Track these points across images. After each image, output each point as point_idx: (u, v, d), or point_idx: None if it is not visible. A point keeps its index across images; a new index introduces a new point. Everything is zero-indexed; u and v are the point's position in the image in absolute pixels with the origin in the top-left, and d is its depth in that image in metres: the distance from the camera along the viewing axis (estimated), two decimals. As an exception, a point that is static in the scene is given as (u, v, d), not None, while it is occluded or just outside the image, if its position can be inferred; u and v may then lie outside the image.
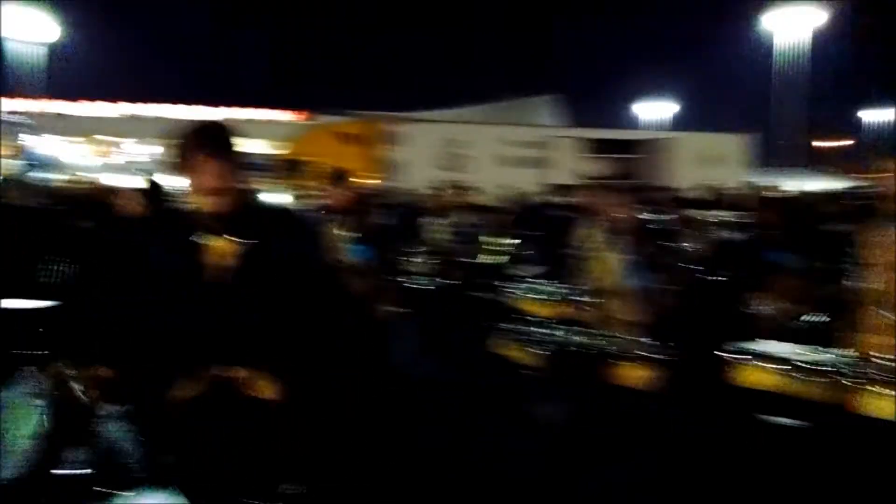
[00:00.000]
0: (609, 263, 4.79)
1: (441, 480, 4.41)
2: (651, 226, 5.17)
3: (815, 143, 52.11)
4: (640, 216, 4.99)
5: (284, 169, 18.17)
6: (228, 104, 43.37)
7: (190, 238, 2.55)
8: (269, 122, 43.75)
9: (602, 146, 21.22)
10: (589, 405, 4.51)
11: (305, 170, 18.96)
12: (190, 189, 2.51)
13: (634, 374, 4.28)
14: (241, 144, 2.59)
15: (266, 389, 2.49)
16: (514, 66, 59.33)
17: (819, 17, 27.71)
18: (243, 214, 2.53)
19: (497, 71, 56.90)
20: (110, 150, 43.45)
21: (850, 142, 50.11)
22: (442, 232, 7.73)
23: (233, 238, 2.51)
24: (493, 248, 8.86)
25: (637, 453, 4.38)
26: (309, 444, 2.55)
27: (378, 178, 18.90)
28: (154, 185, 5.75)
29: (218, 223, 2.53)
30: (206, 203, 2.50)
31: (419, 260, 7.64)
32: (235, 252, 2.51)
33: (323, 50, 58.54)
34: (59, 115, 39.00)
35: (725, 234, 8.41)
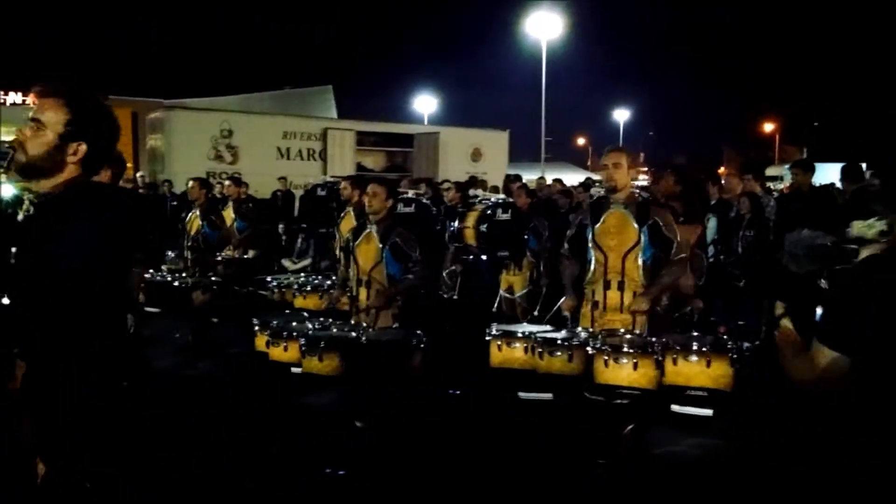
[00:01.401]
0: (368, 253, 4.80)
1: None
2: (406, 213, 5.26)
3: (577, 141, 57.41)
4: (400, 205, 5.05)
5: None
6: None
7: None
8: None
9: (376, 139, 21.50)
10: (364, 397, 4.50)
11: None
12: None
13: (400, 363, 4.33)
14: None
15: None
16: (290, 55, 58.18)
17: (570, 21, 30.29)
18: None
19: (274, 59, 55.39)
20: None
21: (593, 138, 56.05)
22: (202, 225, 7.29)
23: None
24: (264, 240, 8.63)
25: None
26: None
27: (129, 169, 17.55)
28: None
29: None
30: None
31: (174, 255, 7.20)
32: None
33: (73, 25, 53.11)
34: None
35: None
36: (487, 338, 4.67)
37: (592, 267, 4.39)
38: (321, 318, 4.91)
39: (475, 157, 21.77)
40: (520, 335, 4.59)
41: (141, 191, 12.97)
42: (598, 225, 4.38)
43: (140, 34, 61.12)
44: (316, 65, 56.68)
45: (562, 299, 4.81)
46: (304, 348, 4.38)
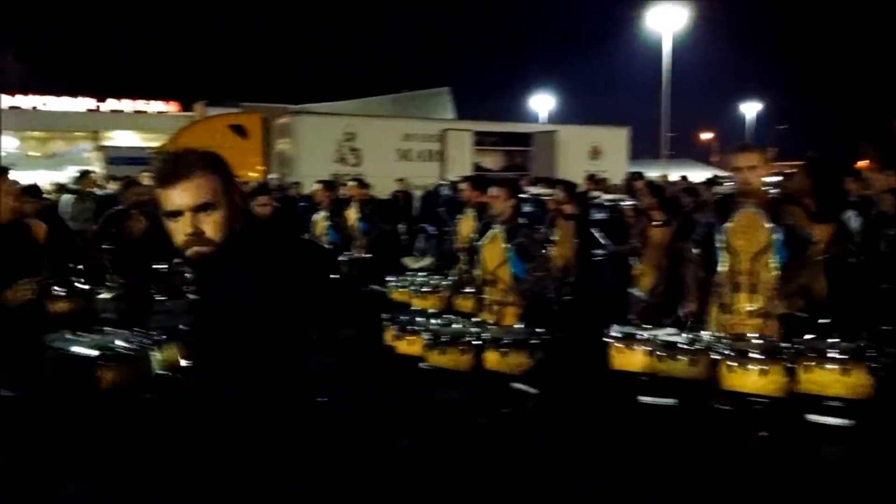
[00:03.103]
0: (493, 253, 4.86)
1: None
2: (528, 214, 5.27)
3: (701, 136, 55.21)
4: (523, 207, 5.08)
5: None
6: (96, 95, 41.61)
7: None
8: (141, 113, 42.23)
9: (494, 139, 21.61)
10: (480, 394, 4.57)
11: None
12: None
13: (512, 361, 4.36)
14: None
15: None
16: (408, 59, 59.41)
17: (694, 14, 29.20)
18: None
19: (391, 63, 56.78)
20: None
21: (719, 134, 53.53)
22: (326, 226, 7.60)
23: None
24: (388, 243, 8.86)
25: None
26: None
27: (262, 172, 18.50)
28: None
29: None
30: None
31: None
32: None
33: (207, 37, 56.55)
34: None
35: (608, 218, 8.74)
36: (607, 339, 4.63)
37: (720, 268, 4.24)
38: (446, 315, 5.02)
39: (594, 155, 21.46)
40: (641, 337, 4.51)
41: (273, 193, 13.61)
42: (727, 225, 4.23)
43: (267, 44, 64.22)
44: (433, 67, 57.53)
45: (685, 301, 4.68)
46: (429, 343, 4.49)
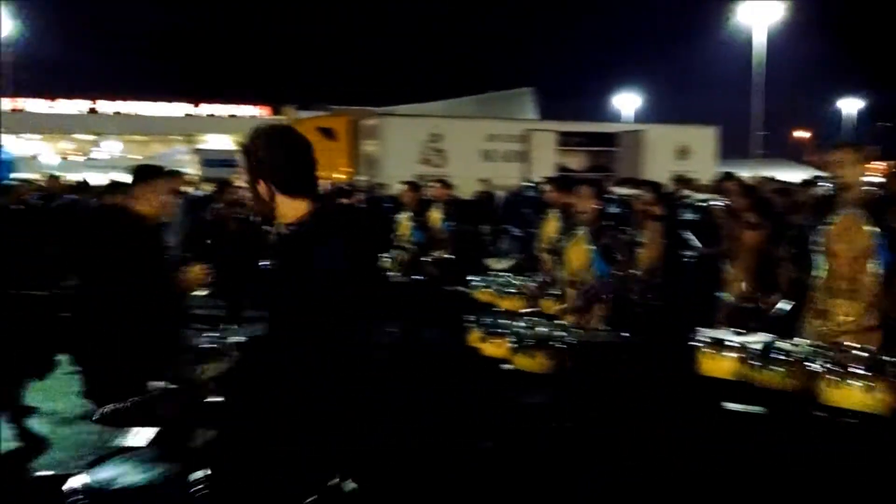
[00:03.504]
0: (577, 255, 4.83)
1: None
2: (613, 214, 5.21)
3: (795, 134, 52.93)
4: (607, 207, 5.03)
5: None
6: (190, 100, 43.53)
7: None
8: (232, 117, 43.87)
9: (578, 139, 21.36)
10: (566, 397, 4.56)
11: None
12: None
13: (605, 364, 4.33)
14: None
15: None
16: (490, 60, 59.45)
17: (787, 9, 28.05)
18: None
19: (474, 64, 56.96)
20: (70, 147, 43.35)
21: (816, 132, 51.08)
22: (412, 227, 7.72)
23: None
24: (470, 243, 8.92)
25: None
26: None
27: (349, 173, 18.92)
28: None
29: None
30: None
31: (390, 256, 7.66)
32: None
33: (297, 42, 58.17)
34: (16, 111, 38.72)
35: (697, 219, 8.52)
36: (695, 343, 4.53)
37: (817, 273, 4.08)
38: (531, 318, 5.02)
39: (681, 155, 20.91)
40: (731, 343, 4.39)
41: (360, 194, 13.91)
42: (824, 227, 4.07)
43: (354, 49, 65.58)
44: (517, 67, 57.35)
45: (776, 306, 4.53)
46: (514, 345, 4.50)
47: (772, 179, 10.81)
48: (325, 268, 2.10)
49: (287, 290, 2.16)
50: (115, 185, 6.05)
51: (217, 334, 4.39)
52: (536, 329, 4.69)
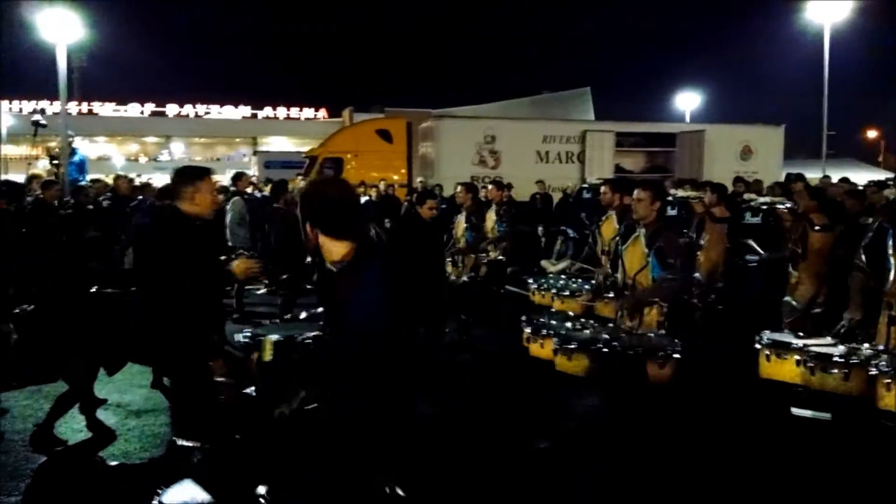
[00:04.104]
0: (634, 257, 4.75)
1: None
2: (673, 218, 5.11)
3: (866, 134, 51.05)
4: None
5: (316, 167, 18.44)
6: (252, 103, 44.53)
7: None
8: (293, 119, 44.69)
9: (636, 139, 21.02)
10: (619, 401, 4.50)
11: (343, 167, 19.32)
12: None
13: (658, 371, 4.24)
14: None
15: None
16: (548, 60, 59.09)
17: (859, 3, 27.01)
18: None
19: (533, 65, 56.69)
20: (139, 149, 44.85)
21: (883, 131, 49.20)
22: (466, 228, 7.74)
23: None
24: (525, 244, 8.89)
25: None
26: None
27: (405, 175, 19.07)
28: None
29: None
30: None
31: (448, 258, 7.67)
32: None
33: (355, 46, 58.90)
34: (85, 115, 40.16)
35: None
36: (757, 346, 4.41)
37: (893, 277, 3.94)
38: (583, 320, 4.97)
39: (744, 155, 20.39)
40: (793, 347, 4.26)
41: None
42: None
43: (411, 52, 66.06)
44: (574, 67, 56.84)
45: (848, 311, 4.39)
46: (557, 347, 4.47)
47: (844, 180, 10.42)
48: (368, 298, 2.51)
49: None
50: (165, 188, 6.25)
51: (254, 329, 4.54)
52: (583, 332, 4.64)
